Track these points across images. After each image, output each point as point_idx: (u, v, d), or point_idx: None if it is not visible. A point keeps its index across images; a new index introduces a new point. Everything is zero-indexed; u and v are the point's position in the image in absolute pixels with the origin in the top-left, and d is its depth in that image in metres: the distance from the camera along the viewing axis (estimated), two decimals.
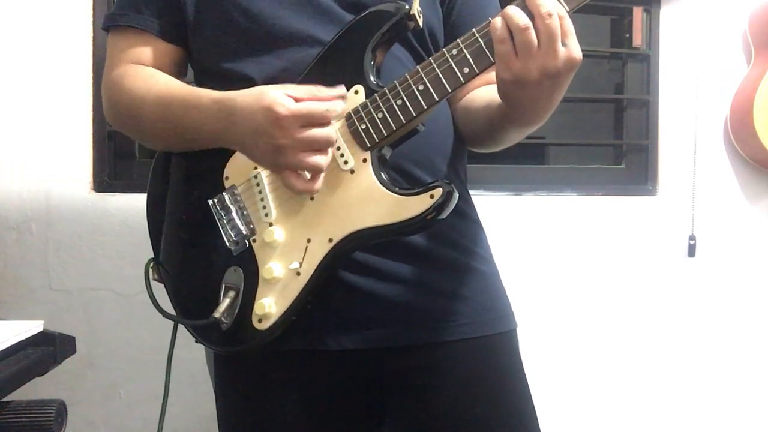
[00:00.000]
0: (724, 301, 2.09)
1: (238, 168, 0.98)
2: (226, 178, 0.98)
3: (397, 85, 0.90)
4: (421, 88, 0.89)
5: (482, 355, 1.03)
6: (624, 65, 2.13)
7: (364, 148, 0.91)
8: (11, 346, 1.02)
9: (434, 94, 0.88)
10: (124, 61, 1.05)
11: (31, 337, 1.08)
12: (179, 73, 1.08)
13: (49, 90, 1.78)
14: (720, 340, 2.09)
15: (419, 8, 0.91)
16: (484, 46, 0.87)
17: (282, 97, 0.86)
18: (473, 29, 0.87)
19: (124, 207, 1.81)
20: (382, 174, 0.91)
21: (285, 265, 0.94)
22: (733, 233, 2.10)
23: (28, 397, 1.04)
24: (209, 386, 1.21)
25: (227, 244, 0.97)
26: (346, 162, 0.92)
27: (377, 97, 0.91)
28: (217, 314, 0.94)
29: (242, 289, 0.95)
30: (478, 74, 0.88)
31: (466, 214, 1.08)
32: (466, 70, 0.87)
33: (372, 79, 0.92)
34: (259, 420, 1.04)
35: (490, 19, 0.86)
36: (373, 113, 0.90)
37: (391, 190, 0.90)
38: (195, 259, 1.01)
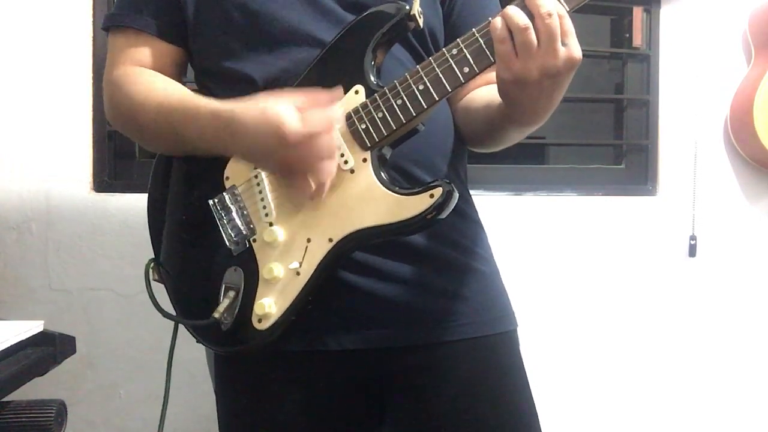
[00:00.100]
0: (725, 301, 2.09)
1: (238, 168, 0.98)
2: (227, 178, 0.98)
3: (397, 84, 0.90)
4: (421, 87, 0.89)
5: (483, 355, 1.03)
6: (624, 65, 2.13)
7: (364, 148, 0.91)
8: (11, 346, 1.02)
9: (434, 93, 0.88)
10: (124, 61, 1.04)
11: (31, 337, 1.07)
12: (179, 74, 1.08)
13: (49, 90, 1.78)
14: (721, 340, 2.09)
15: (419, 8, 0.91)
16: (484, 46, 0.87)
17: (287, 114, 0.85)
18: (473, 29, 0.87)
19: (124, 207, 1.80)
20: (382, 174, 0.91)
21: (285, 265, 0.94)
22: (733, 233, 2.10)
23: (28, 397, 1.04)
24: (209, 386, 1.21)
25: (227, 244, 0.97)
26: (346, 162, 0.92)
27: (377, 97, 0.91)
28: (217, 314, 0.94)
29: (242, 289, 0.95)
30: (478, 74, 0.88)
31: (466, 213, 1.08)
32: (466, 69, 0.87)
33: (372, 79, 0.93)
34: (259, 420, 1.04)
35: (490, 19, 0.86)
36: (373, 113, 0.90)
37: (391, 190, 0.90)
38: (195, 259, 1.01)
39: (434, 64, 0.88)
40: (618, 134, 2.16)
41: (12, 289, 1.77)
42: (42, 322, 1.11)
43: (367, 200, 0.90)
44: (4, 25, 1.77)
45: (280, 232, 0.94)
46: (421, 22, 0.92)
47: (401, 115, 0.89)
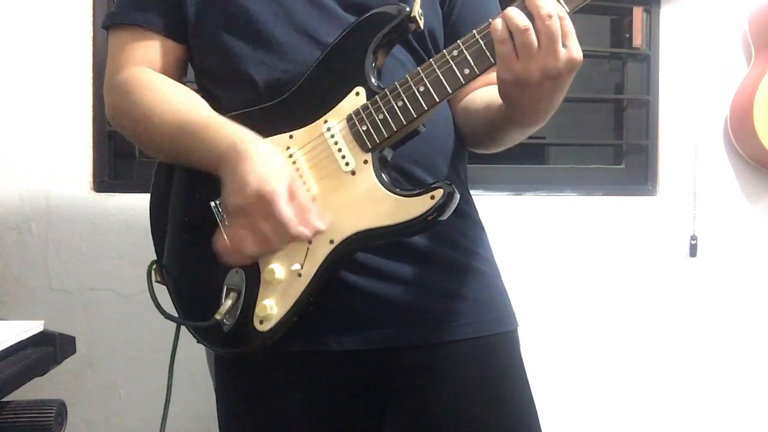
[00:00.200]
0: (727, 301, 2.09)
1: None
2: None
3: (398, 86, 0.90)
4: (421, 89, 0.89)
5: (483, 355, 1.03)
6: (624, 65, 2.13)
7: (365, 150, 0.91)
8: (11, 346, 1.02)
9: (435, 95, 0.88)
10: (128, 61, 1.03)
11: (31, 337, 1.07)
12: (181, 73, 1.08)
13: (49, 90, 1.78)
14: (723, 341, 2.09)
15: (420, 10, 0.91)
16: (484, 47, 0.86)
17: (282, 184, 0.86)
18: (474, 30, 0.87)
19: (124, 207, 1.80)
20: (383, 175, 0.91)
21: (286, 267, 0.93)
22: (733, 233, 2.10)
23: (28, 397, 1.04)
24: (209, 386, 1.21)
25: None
26: (347, 163, 0.92)
27: (378, 99, 0.91)
28: (218, 316, 0.94)
29: (244, 290, 0.95)
30: (478, 75, 0.88)
31: (467, 214, 1.08)
32: (467, 71, 0.87)
33: (373, 80, 0.92)
34: (259, 420, 1.04)
35: (490, 20, 0.86)
36: (374, 114, 0.90)
37: (392, 192, 0.90)
38: (197, 261, 1.01)
39: (435, 66, 0.88)
40: (618, 134, 2.16)
41: (12, 289, 1.77)
42: (42, 322, 1.11)
43: (368, 202, 0.90)
44: (4, 25, 1.76)
45: None
46: (421, 23, 0.92)
47: (402, 117, 0.89)
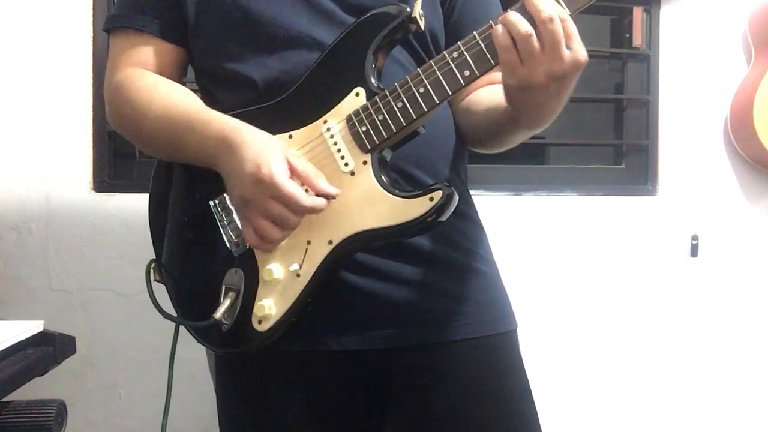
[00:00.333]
0: (728, 301, 2.09)
1: None
2: None
3: (398, 87, 0.90)
4: (421, 90, 0.88)
5: (483, 355, 1.03)
6: (624, 65, 2.13)
7: (365, 150, 0.91)
8: (11, 346, 1.02)
9: (435, 96, 0.88)
10: (125, 64, 1.04)
11: (31, 337, 1.08)
12: (180, 74, 1.08)
13: (49, 90, 1.78)
14: (725, 341, 2.09)
15: (421, 11, 0.91)
16: (485, 49, 0.86)
17: (277, 162, 0.87)
18: (474, 32, 0.87)
19: (124, 207, 1.81)
20: (383, 176, 0.91)
21: (285, 267, 0.94)
22: (733, 233, 2.10)
23: (28, 397, 1.04)
24: (209, 386, 1.21)
25: (228, 245, 0.97)
26: (346, 164, 0.92)
27: (378, 100, 0.91)
28: (217, 315, 0.94)
29: (242, 290, 0.95)
30: (478, 77, 0.87)
31: (466, 214, 1.08)
32: (467, 72, 0.87)
33: (373, 81, 0.92)
34: (260, 420, 1.04)
35: (491, 21, 0.86)
36: (374, 115, 0.90)
37: (391, 193, 0.90)
38: (196, 260, 1.01)
39: (435, 67, 0.88)
40: (618, 134, 2.16)
41: (12, 289, 1.77)
42: (42, 322, 1.12)
43: (367, 203, 0.90)
44: (4, 25, 1.76)
45: None
46: (422, 24, 0.92)
47: (401, 118, 0.89)
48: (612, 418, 2.04)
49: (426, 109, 0.89)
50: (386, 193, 0.90)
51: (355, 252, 0.95)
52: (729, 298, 2.09)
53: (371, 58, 0.92)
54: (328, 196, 0.89)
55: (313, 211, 0.88)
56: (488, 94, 1.05)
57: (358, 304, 0.99)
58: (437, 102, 0.88)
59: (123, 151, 1.86)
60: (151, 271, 1.04)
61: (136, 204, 1.79)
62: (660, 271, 2.06)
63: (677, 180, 2.07)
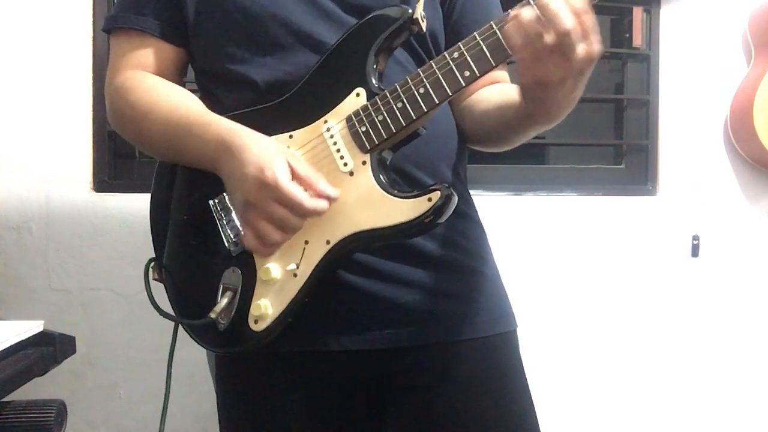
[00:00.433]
0: (729, 301, 2.09)
1: None
2: None
3: (398, 87, 0.89)
4: (421, 91, 0.88)
5: (483, 356, 1.03)
6: (624, 65, 2.13)
7: (364, 151, 0.91)
8: (11, 346, 1.02)
9: (435, 97, 0.88)
10: (126, 65, 1.04)
11: (31, 337, 1.07)
12: (180, 75, 1.08)
13: (49, 90, 1.79)
14: (726, 341, 2.09)
15: (423, 12, 0.91)
16: (485, 49, 0.86)
17: (280, 165, 0.87)
18: (475, 32, 0.86)
19: (124, 207, 1.81)
20: (382, 176, 0.91)
21: (282, 267, 0.94)
22: (733, 233, 2.10)
23: (28, 397, 1.04)
24: (209, 386, 1.21)
25: (226, 244, 0.97)
26: (345, 164, 0.92)
27: (378, 100, 0.90)
28: (213, 314, 0.94)
29: (240, 289, 0.95)
30: (478, 77, 0.87)
31: (466, 215, 1.08)
32: (467, 73, 0.87)
33: (374, 81, 0.92)
34: (260, 420, 1.04)
35: (492, 22, 0.85)
36: (374, 116, 0.90)
37: (389, 193, 0.90)
38: (194, 260, 1.01)
39: (435, 68, 0.88)
40: (618, 134, 2.16)
41: (12, 289, 1.77)
42: (42, 322, 1.11)
43: (365, 203, 0.90)
44: (4, 25, 1.77)
45: None
46: (424, 26, 0.92)
47: (401, 118, 0.89)
48: (612, 418, 2.04)
49: (426, 110, 0.89)
50: (384, 193, 0.90)
51: (353, 252, 0.95)
52: (730, 298, 2.09)
53: (372, 59, 0.92)
54: (329, 198, 0.89)
55: (315, 213, 0.88)
56: (496, 92, 1.05)
57: (359, 305, 0.99)
58: (437, 102, 0.88)
59: (123, 151, 1.86)
60: (150, 270, 1.04)
61: (136, 204, 1.79)
62: (660, 272, 2.06)
63: (677, 180, 2.07)
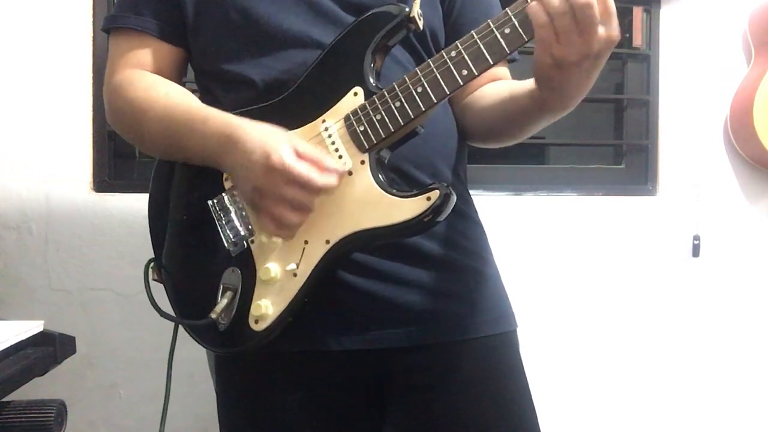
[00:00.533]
0: (729, 301, 2.09)
1: None
2: (226, 179, 0.98)
3: (396, 87, 0.89)
4: (419, 90, 0.88)
5: (483, 356, 1.03)
6: (624, 65, 2.12)
7: (362, 150, 0.91)
8: (11, 346, 1.03)
9: (432, 96, 0.88)
10: (124, 64, 1.04)
11: (31, 337, 1.08)
12: (179, 75, 1.08)
13: (49, 90, 1.79)
14: (727, 341, 2.09)
15: (420, 10, 0.91)
16: (483, 48, 0.86)
17: (285, 148, 0.87)
18: (472, 31, 0.87)
19: (124, 207, 1.81)
20: (380, 176, 0.91)
21: (282, 267, 0.94)
22: (733, 233, 2.09)
23: (28, 397, 1.04)
24: (209, 386, 1.21)
25: (226, 245, 0.97)
26: (344, 163, 0.92)
27: (376, 99, 0.90)
28: (213, 314, 0.95)
29: (240, 289, 0.96)
30: (476, 76, 0.87)
31: (466, 214, 1.08)
32: (465, 72, 0.87)
33: (371, 81, 0.92)
34: (260, 420, 1.04)
35: (489, 21, 0.85)
36: (372, 115, 0.90)
37: (388, 192, 0.90)
38: (194, 260, 1.01)
39: (433, 67, 0.88)
40: (618, 134, 2.16)
41: (12, 289, 1.77)
42: (42, 322, 1.12)
43: (364, 202, 0.90)
44: (4, 25, 1.77)
45: None
46: (421, 24, 0.92)
47: (399, 118, 0.89)
48: (612, 418, 2.04)
49: (423, 109, 0.89)
50: (383, 192, 0.90)
51: (352, 252, 0.94)
52: (731, 298, 2.09)
53: (370, 57, 0.92)
54: (337, 173, 0.89)
55: (327, 188, 0.88)
56: (498, 88, 1.05)
57: (358, 305, 0.99)
58: (435, 101, 0.88)
59: (123, 151, 1.86)
60: (150, 270, 1.04)
61: (136, 204, 1.79)
62: (661, 272, 2.06)
63: (677, 180, 2.07)
